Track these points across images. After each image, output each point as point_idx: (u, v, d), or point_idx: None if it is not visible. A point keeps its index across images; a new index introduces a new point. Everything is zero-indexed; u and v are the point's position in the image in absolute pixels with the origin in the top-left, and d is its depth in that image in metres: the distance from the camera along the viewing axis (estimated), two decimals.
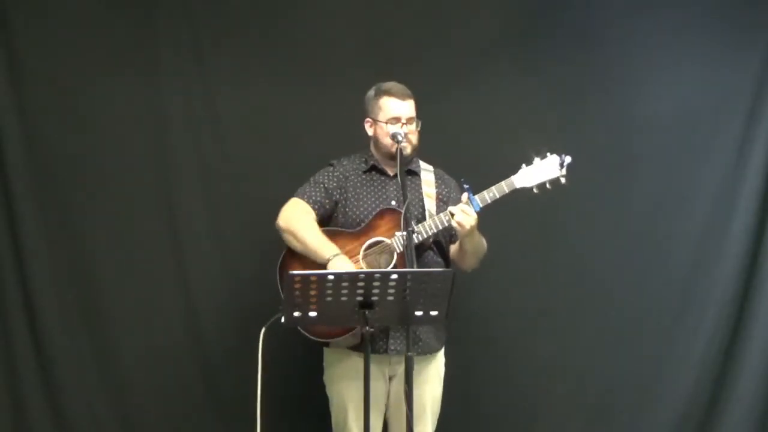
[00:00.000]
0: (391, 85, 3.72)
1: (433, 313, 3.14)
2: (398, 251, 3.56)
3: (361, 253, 3.61)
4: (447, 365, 3.78)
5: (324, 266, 3.53)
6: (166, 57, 4.28)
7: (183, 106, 4.29)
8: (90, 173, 4.24)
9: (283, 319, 3.17)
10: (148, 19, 4.27)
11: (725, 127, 4.45)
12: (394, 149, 3.64)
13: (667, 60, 4.43)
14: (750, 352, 4.38)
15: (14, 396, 4.17)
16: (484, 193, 3.57)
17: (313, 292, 3.04)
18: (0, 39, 4.16)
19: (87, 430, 4.21)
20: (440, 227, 3.58)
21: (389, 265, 3.57)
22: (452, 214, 3.51)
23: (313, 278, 3.04)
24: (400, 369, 3.58)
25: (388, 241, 3.59)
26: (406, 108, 3.68)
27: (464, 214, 3.50)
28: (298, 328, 3.47)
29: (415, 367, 3.23)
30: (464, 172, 3.76)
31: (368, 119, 3.75)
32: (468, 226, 3.51)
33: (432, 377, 3.71)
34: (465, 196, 3.55)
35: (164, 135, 4.28)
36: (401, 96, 3.69)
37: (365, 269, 3.55)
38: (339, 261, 3.52)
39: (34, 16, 4.19)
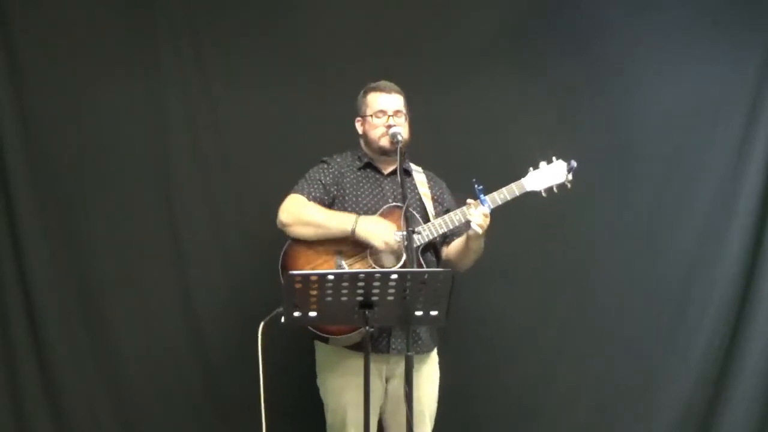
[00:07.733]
0: (378, 82, 3.76)
1: (433, 313, 3.14)
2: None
3: (368, 251, 3.61)
4: (447, 366, 3.77)
5: (347, 241, 3.56)
6: (166, 57, 4.28)
7: (183, 106, 4.30)
8: (90, 173, 4.24)
9: (283, 319, 3.17)
10: (148, 19, 4.27)
11: (725, 127, 4.45)
12: (382, 142, 3.68)
13: (667, 60, 4.44)
14: (750, 352, 4.38)
15: (14, 396, 4.17)
16: (495, 194, 3.58)
17: (313, 292, 3.03)
18: (0, 39, 4.17)
19: (87, 431, 4.22)
20: (450, 227, 3.59)
21: (395, 265, 3.57)
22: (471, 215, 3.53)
23: (313, 278, 3.03)
24: (399, 369, 3.57)
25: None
26: (392, 101, 3.70)
27: (483, 216, 3.52)
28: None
29: (415, 366, 3.22)
30: (463, 171, 3.76)
31: (358, 118, 3.78)
32: (485, 228, 3.53)
33: (429, 376, 3.71)
34: (476, 197, 3.56)
35: (164, 135, 4.28)
36: (387, 90, 3.72)
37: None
38: (363, 222, 3.57)
39: (34, 16, 4.19)
